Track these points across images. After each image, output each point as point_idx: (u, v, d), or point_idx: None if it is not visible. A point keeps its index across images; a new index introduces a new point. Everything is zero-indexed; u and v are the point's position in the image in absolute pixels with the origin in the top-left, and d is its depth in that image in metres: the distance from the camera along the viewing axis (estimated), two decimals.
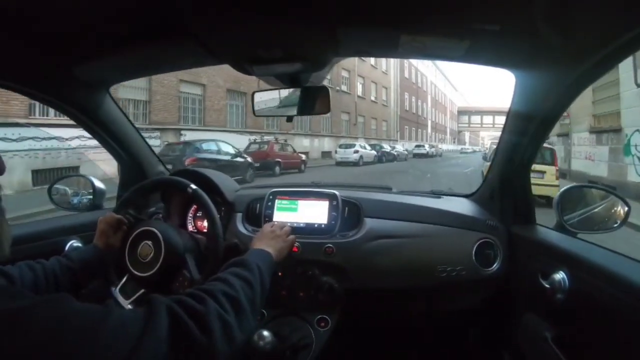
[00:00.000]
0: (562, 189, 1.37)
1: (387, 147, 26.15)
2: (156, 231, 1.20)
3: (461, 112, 77.86)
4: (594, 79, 1.01)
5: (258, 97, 1.39)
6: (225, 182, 1.66)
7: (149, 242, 1.19)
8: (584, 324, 1.04)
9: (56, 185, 1.78)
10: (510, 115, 1.33)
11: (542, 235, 1.35)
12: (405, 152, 29.35)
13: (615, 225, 1.34)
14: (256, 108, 1.39)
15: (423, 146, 34.20)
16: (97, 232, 1.21)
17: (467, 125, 78.29)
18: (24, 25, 0.89)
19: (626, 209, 1.30)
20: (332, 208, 1.49)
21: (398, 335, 1.76)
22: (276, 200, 1.54)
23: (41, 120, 10.32)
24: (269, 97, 1.40)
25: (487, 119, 73.96)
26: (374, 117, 34.25)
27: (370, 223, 1.47)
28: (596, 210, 1.41)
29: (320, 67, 1.24)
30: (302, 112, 1.34)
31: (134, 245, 1.20)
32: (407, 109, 44.91)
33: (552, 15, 0.82)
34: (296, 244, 1.39)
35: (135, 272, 1.17)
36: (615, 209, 1.35)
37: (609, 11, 0.76)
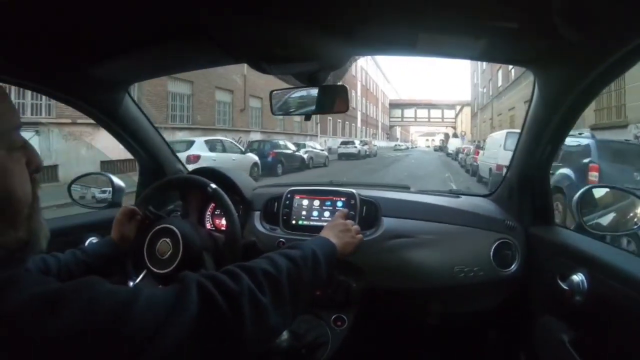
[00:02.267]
0: (582, 190, 1.36)
1: (291, 146, 17.17)
2: (175, 229, 1.22)
3: (393, 106, 73.04)
4: (615, 77, 1.00)
5: (276, 96, 1.40)
6: (244, 181, 1.67)
7: (167, 240, 1.20)
8: (603, 327, 1.02)
9: (75, 183, 1.81)
10: (530, 113, 1.31)
11: (561, 236, 1.33)
12: (325, 154, 21.35)
13: (635, 226, 1.32)
14: (274, 107, 1.40)
15: (352, 143, 27.17)
16: (113, 224, 1.22)
17: (399, 119, 73.49)
18: (45, 25, 0.91)
19: None
20: (349, 207, 1.49)
21: (414, 336, 1.75)
22: (294, 199, 1.55)
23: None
24: (286, 96, 1.40)
25: (422, 113, 71.06)
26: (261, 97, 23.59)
27: (388, 222, 1.47)
28: (616, 211, 1.40)
29: (337, 65, 1.24)
30: (320, 110, 1.35)
31: (152, 242, 1.22)
32: None
33: (572, 13, 0.81)
34: None
35: (153, 269, 1.19)
36: (635, 209, 1.33)
37: (630, 8, 0.75)
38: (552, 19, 0.84)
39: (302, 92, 1.35)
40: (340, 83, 1.40)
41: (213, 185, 1.31)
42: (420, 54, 1.19)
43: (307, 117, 1.40)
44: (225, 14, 0.90)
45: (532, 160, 1.38)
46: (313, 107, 1.34)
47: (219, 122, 18.79)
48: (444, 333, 1.76)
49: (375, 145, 33.55)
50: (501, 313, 1.54)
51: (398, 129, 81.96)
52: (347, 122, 41.58)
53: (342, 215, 1.23)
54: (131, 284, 1.20)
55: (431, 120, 72.96)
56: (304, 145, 19.45)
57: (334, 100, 1.33)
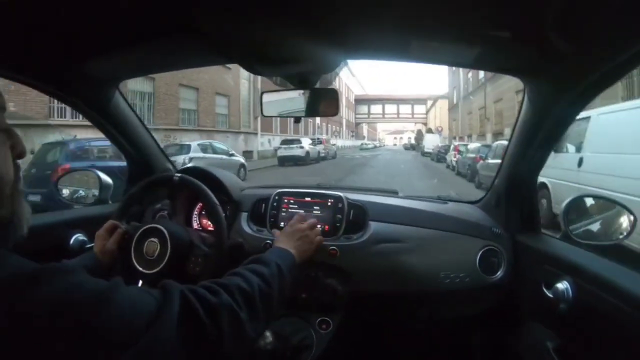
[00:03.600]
0: (569, 199, 1.37)
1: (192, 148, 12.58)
2: (159, 227, 1.22)
3: (359, 101, 67.86)
4: (605, 87, 1.00)
5: (266, 97, 1.39)
6: (231, 181, 1.66)
7: (154, 239, 1.20)
8: (587, 334, 1.03)
9: (62, 179, 1.79)
10: (519, 122, 1.32)
11: (547, 245, 1.34)
12: (238, 160, 14.45)
13: (621, 236, 1.33)
14: (264, 108, 1.39)
15: (298, 142, 20.81)
16: (95, 239, 1.22)
17: (366, 116, 68.48)
18: (36, 21, 0.90)
19: (632, 219, 1.29)
20: (337, 210, 1.49)
21: (400, 340, 1.75)
22: (282, 201, 1.55)
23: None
24: (277, 98, 1.40)
25: (391, 108, 66.49)
26: (197, 86, 19.33)
27: (375, 226, 1.47)
28: (602, 220, 1.41)
29: (329, 69, 1.24)
30: (310, 113, 1.35)
31: (139, 246, 1.21)
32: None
33: (564, 23, 0.82)
34: None
35: (146, 271, 1.18)
36: (621, 219, 1.34)
37: (622, 19, 0.75)
38: (543, 29, 0.84)
39: (292, 94, 1.35)
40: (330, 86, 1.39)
41: (178, 174, 1.31)
42: (412, 60, 1.20)
43: (297, 119, 1.40)
44: (218, 14, 0.90)
45: (521, 168, 1.39)
46: (303, 110, 1.34)
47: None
48: (429, 338, 1.76)
49: (334, 145, 29.41)
50: (487, 319, 1.55)
51: (365, 127, 79.16)
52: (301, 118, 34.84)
53: (300, 219, 1.26)
54: None
55: (400, 116, 69.01)
56: (211, 148, 13.77)
57: (323, 104, 1.33)
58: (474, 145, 15.04)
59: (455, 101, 41.61)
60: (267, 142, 25.92)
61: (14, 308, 0.50)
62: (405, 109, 67.35)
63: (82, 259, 1.16)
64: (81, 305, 0.54)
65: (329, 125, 47.01)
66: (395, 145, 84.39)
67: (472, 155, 12.98)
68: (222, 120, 21.44)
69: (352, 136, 63.03)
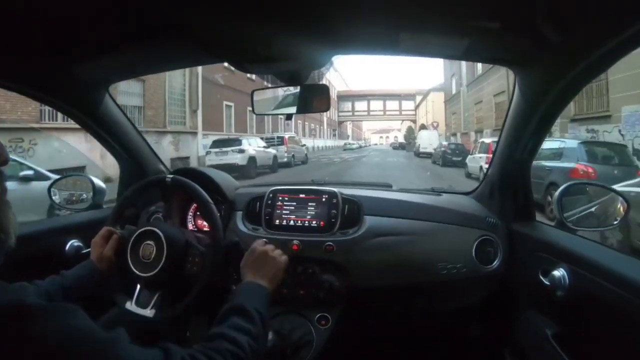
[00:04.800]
0: (563, 186, 1.37)
1: None
2: (154, 229, 1.21)
3: (343, 98, 60.08)
4: (594, 76, 1.01)
5: (257, 95, 1.39)
6: (225, 181, 1.66)
7: (150, 242, 1.20)
8: (584, 320, 1.04)
9: (56, 185, 1.78)
10: (510, 111, 1.33)
11: (542, 233, 1.35)
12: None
13: (615, 222, 1.34)
14: (256, 106, 1.39)
15: (237, 143, 14.37)
16: (91, 246, 1.21)
17: (350, 113, 61.86)
18: (24, 24, 0.89)
19: (625, 205, 1.30)
20: (332, 206, 1.49)
21: (399, 333, 1.76)
22: (276, 199, 1.55)
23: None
24: (268, 96, 1.39)
25: (376, 105, 60.00)
26: None
27: (370, 221, 1.47)
28: (596, 207, 1.42)
29: (319, 65, 1.24)
30: (301, 110, 1.34)
31: (135, 249, 1.21)
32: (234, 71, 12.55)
33: (552, 12, 0.82)
34: (296, 242, 1.41)
35: (143, 274, 1.18)
36: (614, 206, 1.36)
37: (609, 8, 0.76)
38: (533, 19, 0.85)
39: (284, 92, 1.35)
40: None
41: (170, 176, 1.30)
42: (402, 54, 1.20)
43: (289, 116, 1.40)
44: (206, 13, 0.89)
45: (513, 157, 1.39)
46: (294, 106, 1.33)
47: None
48: (428, 329, 1.77)
49: (303, 146, 21.51)
50: (485, 308, 1.56)
51: (349, 126, 72.47)
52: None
53: (260, 244, 1.19)
54: (129, 304, 1.18)
55: (387, 113, 62.34)
56: None
57: (315, 100, 1.33)
58: None
59: (454, 91, 33.72)
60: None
61: (6, 343, 0.49)
62: (392, 105, 61.71)
63: (79, 269, 1.15)
64: (77, 356, 0.52)
65: (308, 123, 40.57)
66: (381, 144, 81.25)
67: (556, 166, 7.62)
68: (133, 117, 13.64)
69: (334, 135, 55.95)
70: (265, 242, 1.21)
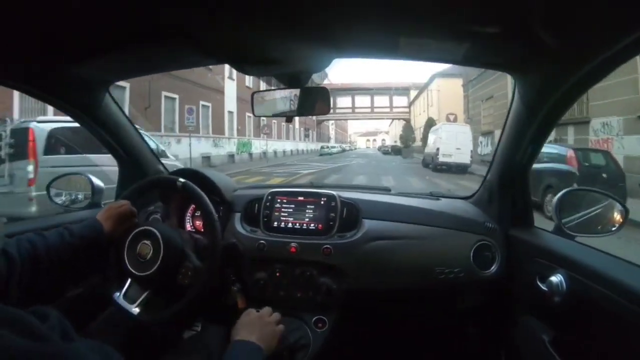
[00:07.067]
0: (561, 192, 1.37)
1: None
2: (153, 230, 1.21)
3: None
4: (594, 82, 1.01)
5: (257, 97, 1.39)
6: (224, 182, 1.66)
7: (147, 242, 1.20)
8: (582, 327, 1.04)
9: (54, 183, 1.78)
10: (510, 117, 1.33)
11: (540, 238, 1.35)
12: None
13: (614, 228, 1.34)
14: (256, 109, 1.39)
15: None
16: (106, 213, 1.18)
17: (331, 111, 44.87)
18: (25, 24, 0.89)
19: (624, 212, 1.30)
20: (330, 209, 1.49)
21: (396, 337, 1.76)
22: (275, 201, 1.55)
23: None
24: (268, 98, 1.39)
25: (362, 101, 50.66)
26: None
27: (368, 224, 1.48)
28: (594, 213, 1.42)
29: (319, 68, 1.24)
30: (301, 112, 1.34)
31: (132, 246, 1.20)
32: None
33: (552, 18, 0.82)
34: (294, 245, 1.41)
35: (137, 273, 1.18)
36: (613, 212, 1.35)
37: (609, 14, 0.76)
38: (532, 25, 0.85)
39: (284, 94, 1.35)
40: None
41: (182, 180, 1.30)
42: (402, 58, 1.20)
43: (289, 119, 1.40)
44: (207, 15, 0.89)
45: (512, 163, 1.40)
46: (294, 109, 1.33)
47: None
48: (425, 333, 1.77)
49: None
50: (482, 313, 1.56)
51: (331, 127, 64.46)
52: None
53: (253, 311, 1.16)
54: (117, 294, 1.18)
55: (375, 110, 51.92)
56: None
57: (315, 102, 1.33)
58: None
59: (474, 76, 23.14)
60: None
61: None
62: (381, 101, 51.70)
63: (85, 229, 1.12)
64: None
65: (272, 122, 29.35)
66: (368, 148, 76.39)
67: None
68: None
69: (307, 136, 46.43)
70: (258, 310, 1.17)
